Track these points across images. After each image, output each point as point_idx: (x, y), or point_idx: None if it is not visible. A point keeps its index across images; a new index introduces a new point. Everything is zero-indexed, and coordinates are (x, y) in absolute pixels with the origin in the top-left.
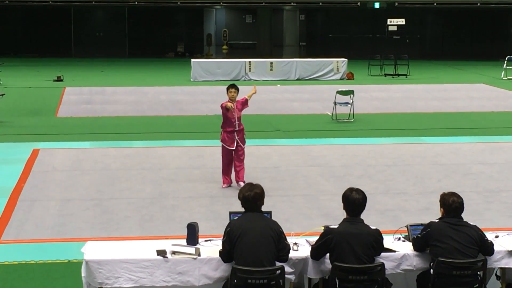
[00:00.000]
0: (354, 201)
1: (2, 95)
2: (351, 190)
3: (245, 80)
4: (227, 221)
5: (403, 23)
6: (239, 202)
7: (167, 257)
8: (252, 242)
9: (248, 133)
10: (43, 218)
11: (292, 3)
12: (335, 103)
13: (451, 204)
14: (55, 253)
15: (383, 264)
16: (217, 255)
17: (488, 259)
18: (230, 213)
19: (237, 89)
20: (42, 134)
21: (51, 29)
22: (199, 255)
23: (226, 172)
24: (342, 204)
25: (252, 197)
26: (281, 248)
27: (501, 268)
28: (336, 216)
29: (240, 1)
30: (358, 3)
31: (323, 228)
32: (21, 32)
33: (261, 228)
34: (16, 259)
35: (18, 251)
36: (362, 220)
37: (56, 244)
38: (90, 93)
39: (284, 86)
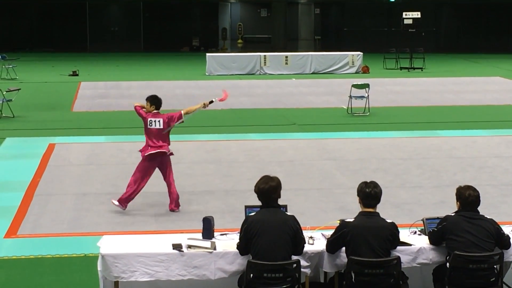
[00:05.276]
0: (369, 194)
1: (18, 90)
2: (366, 183)
3: (260, 74)
4: (243, 215)
5: (419, 16)
6: (254, 196)
7: (182, 251)
8: (269, 241)
9: (263, 127)
10: (59, 213)
11: None
12: (350, 96)
13: (467, 198)
14: (71, 247)
15: (399, 258)
16: (232, 249)
17: (505, 253)
18: (246, 207)
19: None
20: (58, 129)
21: (66, 24)
22: (214, 249)
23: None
24: (357, 198)
25: (267, 189)
26: (297, 243)
27: None
28: (351, 209)
29: None
30: None
31: (338, 221)
32: (36, 27)
33: (278, 225)
34: (32, 253)
35: (35, 245)
36: (378, 214)
37: (72, 238)
38: (105, 88)
39: (299, 80)
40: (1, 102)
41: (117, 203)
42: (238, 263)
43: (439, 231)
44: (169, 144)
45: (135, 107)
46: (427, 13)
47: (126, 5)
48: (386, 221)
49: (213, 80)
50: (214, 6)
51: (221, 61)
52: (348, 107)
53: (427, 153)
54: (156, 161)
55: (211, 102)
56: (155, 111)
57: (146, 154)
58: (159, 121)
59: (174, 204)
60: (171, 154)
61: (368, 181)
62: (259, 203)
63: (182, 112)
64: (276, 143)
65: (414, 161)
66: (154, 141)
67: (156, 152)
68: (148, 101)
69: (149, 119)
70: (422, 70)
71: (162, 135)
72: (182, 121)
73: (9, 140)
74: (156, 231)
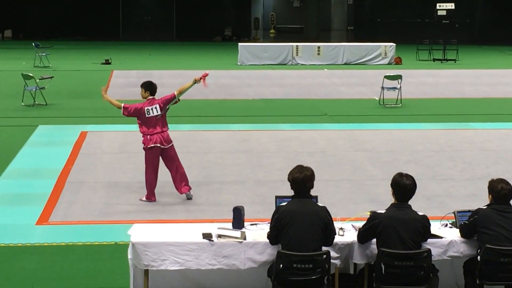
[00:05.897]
0: (405, 186)
1: (51, 78)
2: (401, 175)
3: (292, 64)
4: (273, 205)
5: (453, 7)
6: (285, 186)
7: (213, 241)
8: (299, 232)
9: (294, 118)
10: (90, 200)
11: None
12: (382, 88)
13: (500, 191)
14: (102, 235)
15: (429, 250)
16: (262, 239)
17: None
18: (276, 197)
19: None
20: (90, 117)
21: (99, 12)
22: (244, 239)
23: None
24: (388, 189)
25: (302, 179)
26: (328, 235)
27: None
28: (382, 201)
29: None
30: None
31: (369, 213)
32: (70, 15)
33: (309, 217)
34: (63, 240)
35: (66, 233)
36: (410, 206)
37: (103, 226)
38: (137, 76)
39: (331, 70)
40: (34, 89)
41: (145, 199)
42: (268, 253)
43: (470, 224)
44: (167, 128)
45: (123, 107)
46: (461, 4)
47: None
48: (418, 214)
49: (245, 70)
50: None
51: (253, 51)
52: (380, 98)
53: (459, 146)
54: (157, 150)
55: (205, 75)
56: (150, 97)
57: (148, 147)
58: (155, 107)
59: (182, 187)
60: (171, 143)
61: (404, 173)
62: (289, 193)
63: (175, 92)
64: (307, 134)
65: (446, 153)
66: (152, 129)
67: (158, 147)
68: (142, 88)
69: (145, 108)
70: (455, 62)
71: (160, 120)
72: (177, 101)
73: (42, 127)
74: (186, 220)
